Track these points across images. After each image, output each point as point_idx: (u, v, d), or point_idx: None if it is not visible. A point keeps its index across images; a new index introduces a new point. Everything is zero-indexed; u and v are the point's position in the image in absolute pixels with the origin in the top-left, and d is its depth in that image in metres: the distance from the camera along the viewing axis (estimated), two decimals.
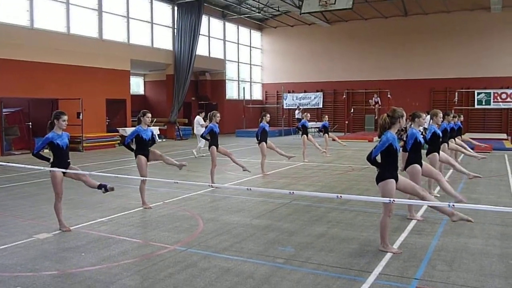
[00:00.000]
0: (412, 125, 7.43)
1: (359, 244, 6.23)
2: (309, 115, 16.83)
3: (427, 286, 4.83)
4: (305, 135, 15.86)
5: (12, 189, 10.51)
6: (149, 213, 8.13)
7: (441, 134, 9.14)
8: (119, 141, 21.43)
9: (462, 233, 6.81)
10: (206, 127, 15.73)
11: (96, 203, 8.95)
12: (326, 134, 17.69)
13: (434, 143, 8.89)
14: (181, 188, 10.16)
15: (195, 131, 18.70)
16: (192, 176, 12.41)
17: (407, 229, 6.99)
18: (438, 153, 8.95)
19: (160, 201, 9.05)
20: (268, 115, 13.25)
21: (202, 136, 12.07)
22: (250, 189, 5.23)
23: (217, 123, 10.99)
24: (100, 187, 6.92)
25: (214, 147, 10.87)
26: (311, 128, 20.25)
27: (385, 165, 5.84)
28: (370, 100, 30.72)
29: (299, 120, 31.31)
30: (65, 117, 6.93)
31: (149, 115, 8.55)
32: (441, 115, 8.96)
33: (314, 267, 5.41)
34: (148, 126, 8.55)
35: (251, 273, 5.21)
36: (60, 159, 6.89)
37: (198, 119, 17.97)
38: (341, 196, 4.85)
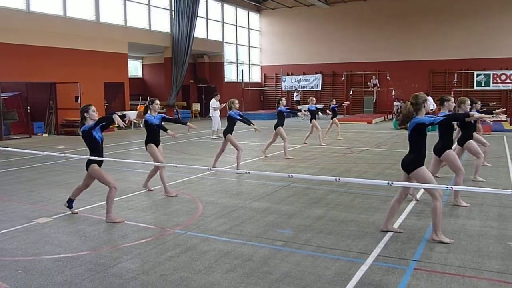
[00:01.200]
0: (441, 110, 7.39)
1: (358, 226, 6.27)
2: (314, 99, 16.67)
3: (425, 267, 4.87)
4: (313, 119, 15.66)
5: (11, 174, 10.52)
6: (148, 197, 8.16)
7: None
8: (117, 125, 21.37)
9: (460, 215, 6.85)
10: (220, 110, 16.40)
11: (96, 187, 8.92)
12: (335, 118, 17.40)
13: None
14: (180, 171, 10.18)
15: (210, 114, 18.80)
16: (191, 159, 12.43)
17: (406, 211, 7.03)
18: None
19: (160, 184, 9.07)
20: (284, 99, 13.15)
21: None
22: (249, 172, 5.25)
23: (237, 110, 10.68)
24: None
25: (229, 135, 10.56)
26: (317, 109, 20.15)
27: (417, 150, 5.71)
28: (368, 83, 30.67)
29: (297, 102, 31.29)
30: (157, 101, 8.26)
31: (158, 102, 8.54)
32: (468, 102, 8.13)
33: (313, 249, 5.45)
34: (159, 112, 8.57)
35: (250, 255, 5.25)
36: (151, 137, 8.19)
37: (212, 101, 18.23)
38: (339, 179, 4.87)
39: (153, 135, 8.38)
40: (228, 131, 10.60)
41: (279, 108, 12.77)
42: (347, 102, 22.33)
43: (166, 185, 8.28)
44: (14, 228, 6.29)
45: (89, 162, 6.66)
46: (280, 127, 12.59)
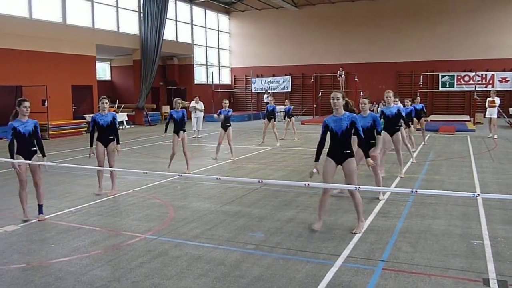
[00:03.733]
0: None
1: (327, 228, 6.38)
2: (287, 101, 17.74)
3: (393, 267, 5.01)
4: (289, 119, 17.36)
5: None
6: (118, 202, 8.10)
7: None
8: (86, 128, 21.09)
9: (426, 214, 7.04)
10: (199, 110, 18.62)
11: (64, 193, 8.86)
12: (289, 119, 17.79)
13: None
14: (150, 175, 10.13)
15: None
16: (161, 163, 12.36)
17: (374, 211, 7.18)
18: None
19: (130, 189, 9.02)
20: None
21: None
22: (220, 178, 5.28)
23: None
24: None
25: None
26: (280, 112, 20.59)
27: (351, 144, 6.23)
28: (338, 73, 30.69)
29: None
30: (27, 104, 7.01)
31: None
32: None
33: (284, 252, 5.53)
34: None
35: (222, 259, 5.28)
36: (21, 146, 6.90)
37: (192, 103, 19.70)
38: (308, 184, 4.96)
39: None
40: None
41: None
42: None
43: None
44: None
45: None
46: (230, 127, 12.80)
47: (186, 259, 5.30)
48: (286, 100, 18.51)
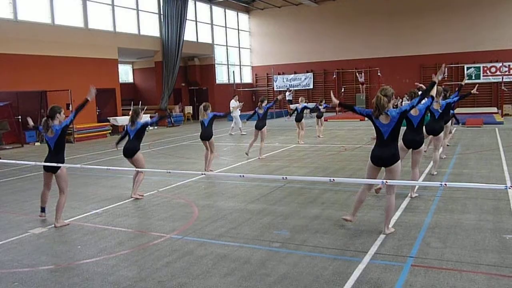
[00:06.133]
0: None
1: (354, 225, 6.27)
2: (302, 98, 16.98)
3: (422, 263, 4.88)
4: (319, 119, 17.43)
5: (4, 184, 10.45)
6: (143, 203, 8.13)
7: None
8: (110, 131, 21.36)
9: (455, 209, 6.87)
10: (240, 109, 18.76)
11: (90, 194, 8.94)
12: (318, 118, 17.67)
13: None
14: (175, 175, 10.16)
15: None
16: (185, 163, 12.40)
17: (401, 207, 7.04)
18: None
19: (154, 189, 9.05)
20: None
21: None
22: (243, 176, 5.24)
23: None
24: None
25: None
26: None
27: (397, 143, 5.80)
28: (358, 75, 30.58)
29: (290, 102, 31.31)
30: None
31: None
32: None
33: (310, 249, 5.45)
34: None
35: (247, 258, 5.24)
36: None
37: (232, 102, 20.97)
38: (333, 180, 4.87)
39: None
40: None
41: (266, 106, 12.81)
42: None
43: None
44: (9, 240, 6.25)
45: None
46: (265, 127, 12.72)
47: (211, 258, 5.27)
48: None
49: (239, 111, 19.76)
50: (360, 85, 30.20)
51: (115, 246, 5.84)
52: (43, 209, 7.21)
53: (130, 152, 8.30)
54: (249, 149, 12.77)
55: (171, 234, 6.21)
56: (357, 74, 30.40)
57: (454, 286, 4.32)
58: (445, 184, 4.23)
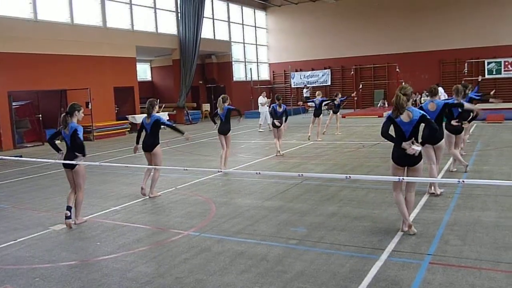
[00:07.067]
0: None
1: (371, 222, 6.24)
2: (319, 92, 16.94)
3: (441, 261, 4.84)
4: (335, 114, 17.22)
5: (26, 182, 10.64)
6: (161, 200, 8.20)
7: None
8: (129, 129, 21.57)
9: (475, 206, 6.78)
10: (268, 105, 18.21)
11: (109, 192, 9.05)
12: (334, 114, 17.55)
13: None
14: (192, 173, 10.22)
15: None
16: (203, 160, 12.46)
17: (420, 204, 6.98)
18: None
19: (172, 187, 9.12)
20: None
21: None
22: (259, 173, 5.24)
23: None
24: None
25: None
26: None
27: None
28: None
29: (307, 98, 31.17)
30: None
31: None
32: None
33: (327, 246, 5.44)
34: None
35: (264, 255, 5.25)
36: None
37: (260, 98, 21.27)
38: (350, 177, 4.85)
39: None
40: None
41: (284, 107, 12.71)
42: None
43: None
44: (31, 236, 6.37)
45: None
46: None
47: (228, 255, 5.30)
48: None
49: (267, 107, 19.48)
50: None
51: (133, 243, 5.90)
52: (68, 208, 6.97)
53: (149, 146, 8.35)
54: (279, 147, 12.62)
55: (189, 231, 6.26)
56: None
57: (473, 284, 4.27)
58: (463, 181, 4.17)
